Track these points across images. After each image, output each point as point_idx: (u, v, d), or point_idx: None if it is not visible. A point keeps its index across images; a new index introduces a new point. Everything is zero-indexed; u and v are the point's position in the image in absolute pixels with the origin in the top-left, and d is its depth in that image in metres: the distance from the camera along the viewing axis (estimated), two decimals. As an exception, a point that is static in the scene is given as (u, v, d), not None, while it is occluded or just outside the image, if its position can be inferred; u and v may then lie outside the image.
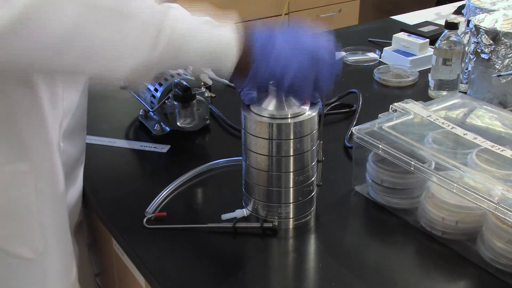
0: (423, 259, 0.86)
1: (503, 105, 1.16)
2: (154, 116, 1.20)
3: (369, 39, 1.70)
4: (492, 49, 1.14)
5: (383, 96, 1.36)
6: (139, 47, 0.69)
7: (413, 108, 1.00)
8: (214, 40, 0.75)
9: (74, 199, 1.08)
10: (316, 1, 3.23)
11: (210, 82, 1.18)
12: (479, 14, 1.29)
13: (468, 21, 1.29)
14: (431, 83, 1.33)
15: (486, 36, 1.14)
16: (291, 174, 0.86)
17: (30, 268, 0.88)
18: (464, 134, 0.92)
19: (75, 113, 0.95)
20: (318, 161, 0.91)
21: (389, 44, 1.57)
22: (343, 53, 1.57)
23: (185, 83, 1.11)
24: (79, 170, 1.04)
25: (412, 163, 0.86)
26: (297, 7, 3.19)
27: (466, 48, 1.28)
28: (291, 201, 0.89)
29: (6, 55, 0.64)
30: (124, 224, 0.92)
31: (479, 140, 0.89)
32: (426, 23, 1.71)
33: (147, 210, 0.93)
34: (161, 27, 0.70)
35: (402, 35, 1.55)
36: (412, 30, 1.62)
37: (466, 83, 1.32)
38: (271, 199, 0.88)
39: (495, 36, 1.14)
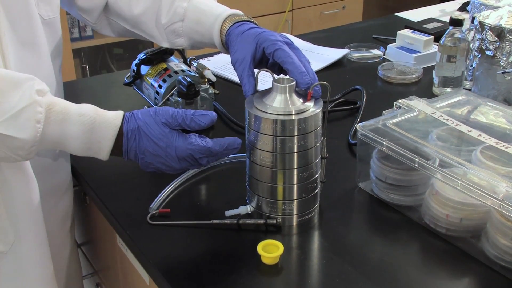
0: (427, 256, 0.86)
1: (507, 102, 1.16)
2: (158, 112, 1.20)
3: (373, 36, 1.70)
4: (497, 46, 1.14)
5: (387, 93, 1.36)
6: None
7: (417, 105, 1.00)
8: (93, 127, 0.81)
9: (65, 196, 1.09)
10: (320, -2, 3.24)
11: (214, 79, 1.18)
12: (484, 10, 1.29)
13: (473, 18, 1.28)
14: (436, 80, 1.32)
15: (491, 33, 1.14)
16: (295, 170, 0.86)
17: (3, 262, 0.88)
18: (468, 131, 0.91)
19: None
20: (322, 158, 0.91)
21: (393, 41, 1.57)
22: (348, 50, 1.57)
23: (189, 79, 1.11)
24: (63, 163, 1.06)
25: (416, 160, 0.86)
26: (300, 4, 3.19)
27: (471, 45, 1.27)
28: (295, 198, 0.89)
29: None
30: (128, 220, 0.92)
31: (484, 137, 0.89)
32: (431, 20, 1.71)
33: (151, 206, 0.94)
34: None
35: (406, 32, 1.55)
36: (416, 27, 1.62)
37: (470, 80, 1.32)
38: (275, 195, 0.88)
39: (500, 33, 1.13)
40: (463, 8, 1.87)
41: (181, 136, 0.84)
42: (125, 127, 0.83)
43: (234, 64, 0.92)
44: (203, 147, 0.84)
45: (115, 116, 0.83)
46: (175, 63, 1.21)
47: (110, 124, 0.82)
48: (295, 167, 0.86)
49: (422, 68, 1.44)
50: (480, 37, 1.17)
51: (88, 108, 0.82)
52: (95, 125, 0.81)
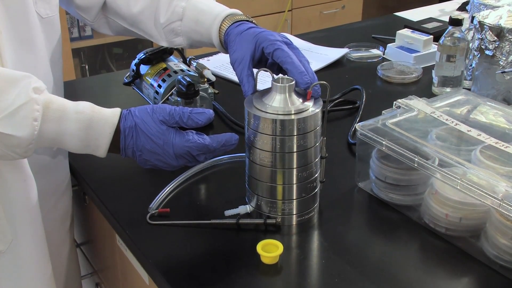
0: (426, 255, 0.86)
1: (507, 101, 1.16)
2: (158, 112, 1.20)
3: (373, 35, 1.70)
4: (496, 45, 1.14)
5: (387, 93, 1.36)
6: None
7: (417, 105, 1.00)
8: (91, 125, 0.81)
9: (64, 195, 1.09)
10: (319, -3, 3.24)
11: (213, 78, 1.18)
12: (483, 10, 1.29)
13: (472, 18, 1.28)
14: (435, 79, 1.32)
15: (491, 33, 1.14)
16: (295, 170, 0.86)
17: (1, 261, 0.88)
18: (468, 131, 0.91)
19: None
20: (321, 158, 0.91)
21: (393, 41, 1.57)
22: (347, 50, 1.57)
23: (188, 79, 1.11)
24: (61, 164, 1.06)
25: (416, 159, 0.86)
26: (300, 3, 3.19)
27: (470, 44, 1.27)
28: (295, 198, 0.89)
29: None
30: (127, 220, 0.92)
31: (483, 136, 0.89)
32: (430, 20, 1.71)
33: (150, 206, 0.94)
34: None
35: (405, 31, 1.55)
36: (416, 26, 1.62)
37: (470, 80, 1.32)
38: (275, 195, 0.88)
39: (499, 32, 1.13)
40: (462, 7, 1.87)
41: (179, 133, 0.84)
42: (122, 124, 0.83)
43: (233, 64, 0.92)
44: (200, 144, 0.84)
45: (112, 114, 0.83)
46: (175, 62, 1.21)
47: (107, 122, 0.82)
48: (295, 166, 0.86)
49: (422, 67, 1.44)
50: (480, 36, 1.17)
51: (85, 106, 0.82)
52: (92, 122, 0.81)
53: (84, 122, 0.80)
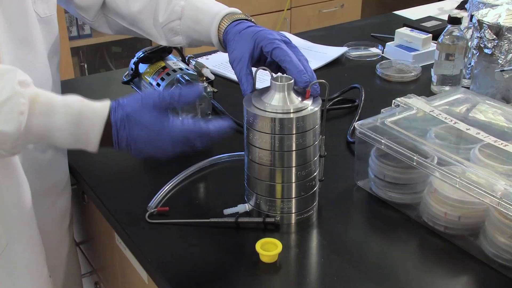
0: (425, 254, 0.86)
1: (506, 100, 1.16)
2: (156, 111, 1.19)
3: (372, 34, 1.70)
4: (495, 44, 1.14)
5: (386, 91, 1.36)
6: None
7: (416, 103, 1.00)
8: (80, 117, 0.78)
9: (63, 194, 1.08)
10: (318, -4, 3.24)
11: (212, 77, 1.18)
12: (482, 9, 1.29)
13: (471, 16, 1.28)
14: (434, 78, 1.32)
15: (489, 31, 1.14)
16: (294, 169, 0.86)
17: None
18: (467, 129, 0.91)
19: None
20: (320, 156, 0.91)
21: (392, 39, 1.57)
22: (346, 48, 1.57)
23: (187, 78, 1.11)
24: (60, 163, 1.05)
25: (415, 158, 0.86)
26: (299, 2, 3.19)
27: (469, 43, 1.27)
28: (293, 196, 0.89)
29: None
30: (126, 219, 0.92)
31: (482, 135, 0.89)
32: (429, 18, 1.71)
33: (149, 205, 0.94)
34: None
35: (404, 30, 1.55)
36: (415, 25, 1.62)
37: (469, 78, 1.32)
38: (273, 194, 0.88)
39: (498, 31, 1.13)
40: (461, 6, 1.87)
41: (173, 118, 0.81)
42: (112, 117, 0.79)
43: (232, 63, 0.92)
44: (196, 126, 0.81)
45: (102, 107, 0.80)
46: (173, 61, 1.21)
47: (97, 115, 0.79)
48: (294, 165, 0.86)
49: (421, 66, 1.44)
50: (479, 35, 1.17)
51: (74, 99, 0.79)
52: (81, 116, 0.78)
53: (73, 115, 0.77)
